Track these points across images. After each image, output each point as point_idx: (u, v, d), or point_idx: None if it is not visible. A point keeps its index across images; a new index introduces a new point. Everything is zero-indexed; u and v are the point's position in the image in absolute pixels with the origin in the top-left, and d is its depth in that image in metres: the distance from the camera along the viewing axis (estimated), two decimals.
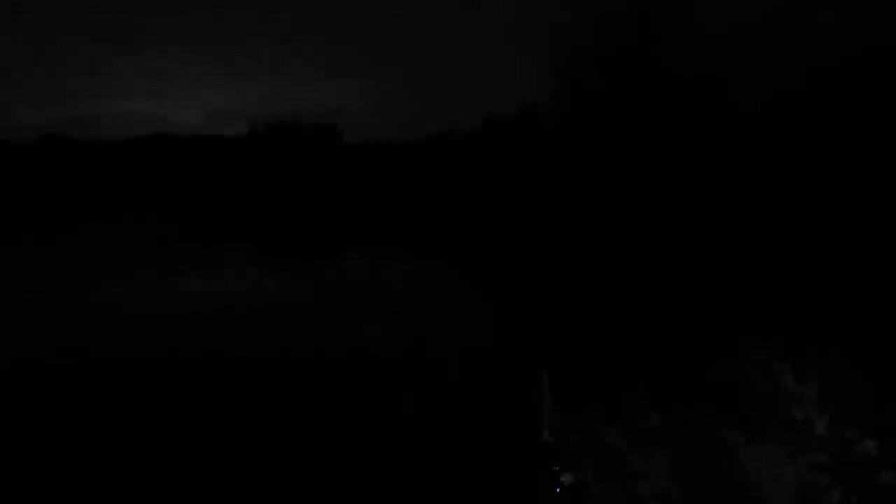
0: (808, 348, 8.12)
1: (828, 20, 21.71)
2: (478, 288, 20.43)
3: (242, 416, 9.92)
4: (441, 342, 13.03)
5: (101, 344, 14.00)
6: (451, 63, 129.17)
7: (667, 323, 12.02)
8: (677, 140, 28.27)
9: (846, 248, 15.68)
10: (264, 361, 12.53)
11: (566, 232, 34.07)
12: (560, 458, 7.21)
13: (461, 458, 8.32)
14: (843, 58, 20.31)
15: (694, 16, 28.58)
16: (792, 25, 22.13)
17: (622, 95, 33.12)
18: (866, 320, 9.91)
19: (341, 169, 65.63)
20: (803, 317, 10.15)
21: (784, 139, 21.18)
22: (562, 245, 30.81)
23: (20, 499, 7.73)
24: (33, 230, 39.97)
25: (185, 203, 56.51)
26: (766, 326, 9.03)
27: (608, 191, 34.92)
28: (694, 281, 16.53)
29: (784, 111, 21.58)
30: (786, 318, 9.90)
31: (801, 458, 6.53)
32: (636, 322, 12.66)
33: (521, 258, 26.61)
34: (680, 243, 23.58)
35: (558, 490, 6.87)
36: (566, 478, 6.90)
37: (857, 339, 8.78)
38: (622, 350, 10.86)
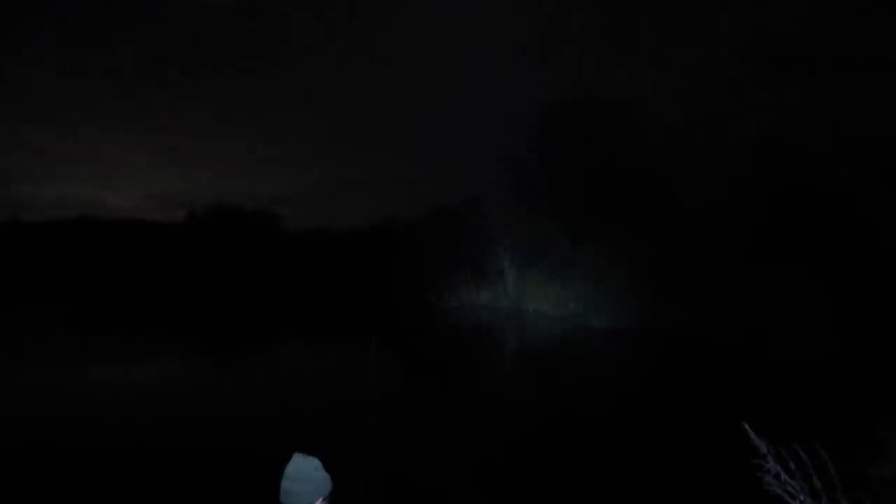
0: None
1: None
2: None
3: None
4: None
5: (10, 434, 12.40)
6: (395, 153, 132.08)
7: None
8: (620, 233, 28.60)
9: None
10: (184, 458, 10.76)
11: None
12: None
13: None
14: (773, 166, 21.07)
15: (637, 112, 29.73)
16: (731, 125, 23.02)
17: (565, 188, 33.71)
18: None
19: (280, 257, 64.16)
20: None
21: (729, 234, 21.50)
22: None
23: None
24: None
25: (103, 289, 53.18)
26: None
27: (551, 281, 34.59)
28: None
29: (729, 207, 21.98)
30: None
31: None
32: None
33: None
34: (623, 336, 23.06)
35: None
36: None
37: None
38: None
